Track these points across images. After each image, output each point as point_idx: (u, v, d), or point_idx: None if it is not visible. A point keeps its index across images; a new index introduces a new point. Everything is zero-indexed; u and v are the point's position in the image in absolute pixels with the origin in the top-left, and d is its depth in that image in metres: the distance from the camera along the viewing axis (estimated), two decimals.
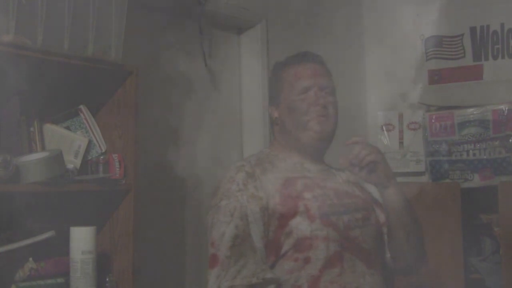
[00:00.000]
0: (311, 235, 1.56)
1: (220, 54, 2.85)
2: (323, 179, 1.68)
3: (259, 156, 1.74)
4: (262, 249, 1.55)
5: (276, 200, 1.59)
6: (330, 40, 3.13)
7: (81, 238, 1.83)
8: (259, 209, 1.57)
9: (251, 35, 2.98)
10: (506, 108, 3.14)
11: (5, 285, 1.75)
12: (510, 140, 3.13)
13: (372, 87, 3.71)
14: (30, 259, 1.80)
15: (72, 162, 1.97)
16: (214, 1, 2.66)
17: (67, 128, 2.02)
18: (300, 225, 1.56)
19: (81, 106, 2.03)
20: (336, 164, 1.78)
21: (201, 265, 2.43)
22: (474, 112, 3.24)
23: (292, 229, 1.56)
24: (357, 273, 1.57)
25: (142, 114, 2.12)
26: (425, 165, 3.35)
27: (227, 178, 1.64)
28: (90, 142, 2.02)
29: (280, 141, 1.76)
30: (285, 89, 1.73)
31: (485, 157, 3.18)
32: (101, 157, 2.01)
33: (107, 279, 1.95)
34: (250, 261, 1.53)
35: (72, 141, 1.99)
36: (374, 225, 1.68)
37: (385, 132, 3.49)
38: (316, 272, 1.54)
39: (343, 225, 1.60)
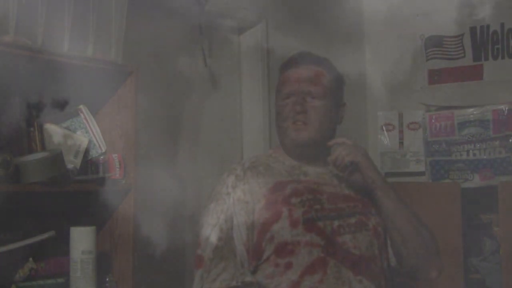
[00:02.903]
0: (292, 241, 1.55)
1: (220, 54, 2.85)
2: (318, 183, 1.67)
3: (258, 158, 1.74)
4: (244, 253, 1.56)
5: (262, 205, 1.59)
6: (330, 40, 3.13)
7: (81, 238, 1.84)
8: (244, 213, 1.57)
9: (251, 35, 2.98)
10: (506, 108, 3.14)
11: (5, 285, 1.75)
12: (510, 140, 3.12)
13: (372, 87, 3.71)
14: (30, 259, 1.80)
15: (72, 162, 1.97)
16: (214, 1, 2.66)
17: (67, 128, 2.02)
18: (281, 230, 1.56)
19: (81, 106, 2.03)
20: None
21: None
22: (474, 112, 3.24)
23: (274, 234, 1.56)
24: (341, 280, 1.54)
25: (143, 114, 2.12)
26: (425, 165, 3.35)
27: (219, 181, 1.66)
28: (90, 142, 2.02)
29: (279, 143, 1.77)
30: (276, 93, 1.75)
31: (485, 157, 3.18)
32: (101, 157, 2.01)
33: (107, 279, 1.95)
34: (231, 265, 1.54)
35: (72, 141, 1.99)
36: (371, 230, 1.64)
37: (385, 132, 3.49)
38: (296, 277, 1.53)
39: (331, 230, 1.58)
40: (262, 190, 1.61)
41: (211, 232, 1.57)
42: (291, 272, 1.54)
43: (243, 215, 1.57)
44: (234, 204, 1.58)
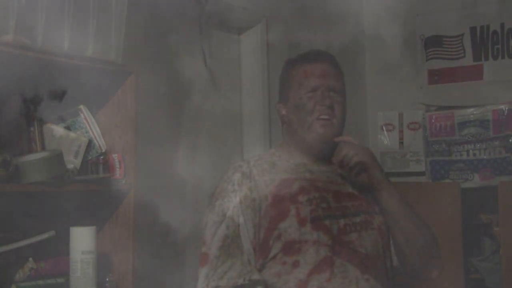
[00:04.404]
0: (299, 239, 1.54)
1: (220, 54, 2.85)
2: (324, 181, 1.66)
3: (262, 156, 1.73)
4: (251, 250, 1.55)
5: (268, 202, 1.58)
6: (330, 40, 3.13)
7: (81, 238, 1.83)
8: (251, 211, 1.57)
9: (251, 35, 2.98)
10: (506, 108, 3.15)
11: (5, 285, 1.75)
12: (510, 140, 3.13)
13: (372, 87, 3.71)
14: (30, 259, 1.80)
15: (72, 162, 1.97)
16: (214, 1, 2.66)
17: (67, 128, 2.02)
18: (289, 229, 1.55)
19: (81, 106, 2.03)
20: None
21: None
22: (474, 112, 3.24)
23: (281, 232, 1.55)
24: (348, 279, 1.54)
25: (142, 114, 2.12)
26: (425, 165, 3.35)
27: (224, 178, 1.64)
28: (90, 142, 2.02)
29: (287, 140, 1.74)
30: (294, 87, 1.70)
31: (485, 157, 3.18)
32: (101, 157, 2.01)
33: (107, 279, 1.95)
34: (238, 262, 1.53)
35: (72, 141, 1.99)
36: (376, 229, 1.64)
37: (385, 132, 3.50)
38: (304, 276, 1.53)
39: (337, 229, 1.58)
40: (268, 188, 1.60)
41: (217, 230, 1.56)
42: (298, 271, 1.54)
43: (250, 213, 1.56)
44: (240, 202, 1.58)
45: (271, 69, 2.92)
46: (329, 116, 1.65)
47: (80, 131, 2.03)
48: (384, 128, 3.50)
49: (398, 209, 1.65)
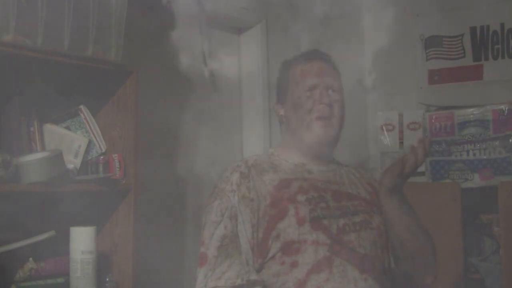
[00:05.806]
0: (298, 239, 1.54)
1: (220, 54, 2.85)
2: (323, 181, 1.66)
3: (260, 156, 1.73)
4: (249, 251, 1.55)
5: (267, 202, 1.58)
6: (329, 41, 3.13)
7: (81, 238, 1.83)
8: (249, 211, 1.57)
9: (251, 35, 2.98)
10: (506, 108, 3.15)
11: (5, 285, 1.75)
12: (510, 140, 3.13)
13: (372, 87, 3.71)
14: (30, 259, 1.80)
15: (72, 162, 1.97)
16: (214, 1, 2.66)
17: (67, 128, 2.02)
18: (287, 228, 1.55)
19: (81, 106, 2.03)
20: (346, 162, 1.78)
21: None
22: (474, 112, 3.24)
23: (280, 232, 1.55)
24: (347, 279, 1.54)
25: (142, 114, 2.12)
26: (425, 165, 3.35)
27: (223, 178, 1.65)
28: (90, 142, 2.02)
29: (286, 140, 1.74)
30: (292, 86, 1.70)
31: (485, 157, 3.18)
32: (101, 157, 2.01)
33: (107, 279, 1.95)
34: (236, 262, 1.53)
35: (72, 141, 1.99)
36: (375, 229, 1.64)
37: (385, 132, 3.49)
38: (302, 276, 1.53)
39: (337, 229, 1.58)
40: (267, 188, 1.60)
41: (215, 230, 1.57)
42: (297, 271, 1.53)
43: (248, 213, 1.56)
44: (239, 202, 1.57)
45: (271, 69, 2.92)
46: (328, 114, 1.65)
47: (80, 131, 2.03)
48: (384, 128, 3.50)
49: (395, 213, 1.64)
